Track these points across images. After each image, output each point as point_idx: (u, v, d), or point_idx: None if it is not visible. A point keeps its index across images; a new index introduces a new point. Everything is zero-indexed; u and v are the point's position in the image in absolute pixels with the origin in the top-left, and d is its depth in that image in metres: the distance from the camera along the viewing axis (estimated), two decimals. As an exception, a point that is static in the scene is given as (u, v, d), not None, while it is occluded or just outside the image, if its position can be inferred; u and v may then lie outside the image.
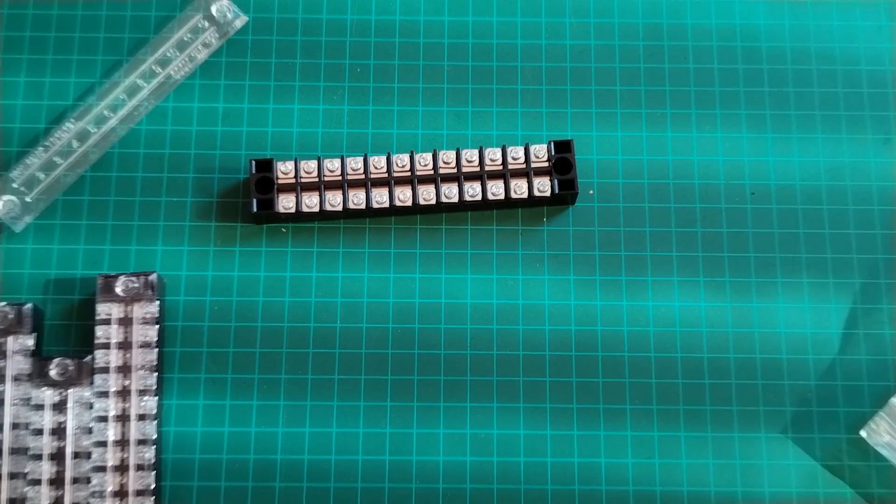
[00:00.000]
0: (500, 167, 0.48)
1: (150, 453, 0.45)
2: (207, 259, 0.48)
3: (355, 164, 0.48)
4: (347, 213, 0.48)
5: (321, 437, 0.46)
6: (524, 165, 0.48)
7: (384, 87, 0.51)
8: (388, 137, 0.50)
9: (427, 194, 0.48)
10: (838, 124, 0.51)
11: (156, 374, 0.45)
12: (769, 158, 0.50)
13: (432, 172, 0.48)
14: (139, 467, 0.45)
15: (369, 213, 0.48)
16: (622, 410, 0.47)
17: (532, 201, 0.48)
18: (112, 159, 0.50)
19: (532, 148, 0.48)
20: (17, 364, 0.45)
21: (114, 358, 0.45)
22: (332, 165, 0.48)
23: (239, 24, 0.51)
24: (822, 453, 0.47)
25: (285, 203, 0.48)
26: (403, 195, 0.48)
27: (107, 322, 0.46)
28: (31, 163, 0.49)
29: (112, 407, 0.45)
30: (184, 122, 0.50)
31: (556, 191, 0.48)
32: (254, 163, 0.48)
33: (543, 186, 0.48)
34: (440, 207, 0.48)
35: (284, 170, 0.48)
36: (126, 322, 0.46)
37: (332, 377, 0.47)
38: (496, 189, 0.48)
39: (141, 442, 0.45)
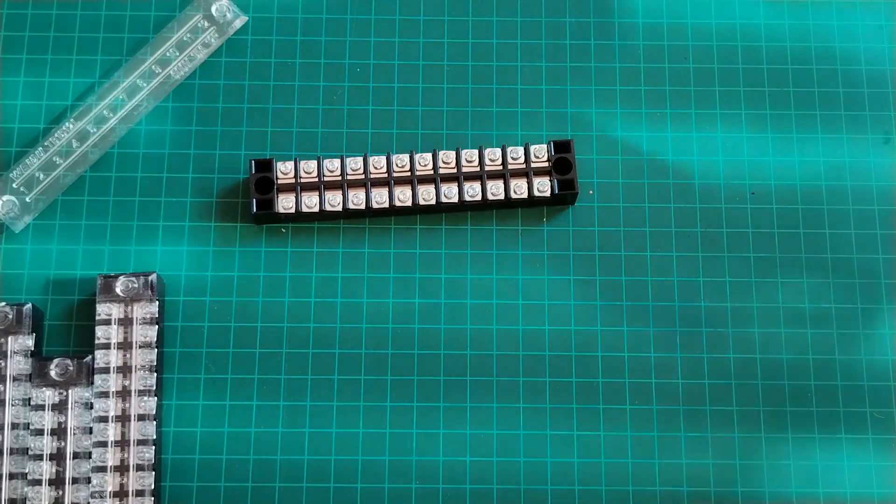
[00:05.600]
0: (500, 167, 0.48)
1: (150, 453, 0.45)
2: (207, 259, 0.48)
3: (355, 164, 0.48)
4: (347, 214, 0.48)
5: (321, 437, 0.46)
6: (524, 165, 0.48)
7: (384, 87, 0.51)
8: (388, 137, 0.50)
9: (427, 194, 0.48)
10: (838, 124, 0.51)
11: (156, 374, 0.45)
12: (769, 158, 0.50)
13: (432, 172, 0.48)
14: (139, 467, 0.45)
15: (369, 213, 0.48)
16: (622, 410, 0.47)
17: (532, 201, 0.48)
18: (111, 159, 0.50)
19: (532, 148, 0.48)
20: (17, 364, 0.45)
21: (114, 358, 0.45)
22: (332, 165, 0.48)
23: (238, 23, 0.51)
24: (823, 453, 0.47)
25: (285, 203, 0.48)
26: (403, 195, 0.48)
27: (107, 322, 0.46)
28: (30, 163, 0.49)
29: (112, 407, 0.45)
30: (183, 122, 0.50)
31: (556, 191, 0.48)
32: (253, 163, 0.48)
33: (543, 186, 0.48)
34: (440, 207, 0.48)
35: (284, 170, 0.48)
36: (126, 322, 0.46)
37: (332, 377, 0.47)
38: (496, 189, 0.48)
39: (141, 442, 0.45)
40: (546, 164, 0.48)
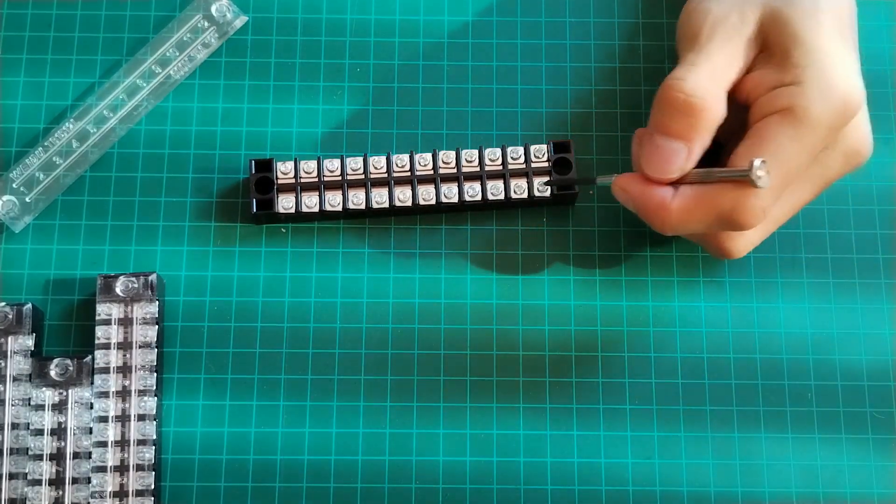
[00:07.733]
0: (500, 167, 0.48)
1: (150, 453, 0.45)
2: (207, 259, 0.48)
3: (355, 164, 0.48)
4: (347, 214, 0.48)
5: (321, 438, 0.46)
6: (524, 165, 0.48)
7: (384, 87, 0.51)
8: (388, 137, 0.50)
9: (427, 194, 0.48)
10: (838, 124, 0.50)
11: (155, 374, 0.45)
12: (769, 158, 0.50)
13: (432, 172, 0.48)
14: (139, 467, 0.45)
15: (369, 213, 0.48)
16: (622, 410, 0.47)
17: (532, 201, 0.48)
18: (111, 159, 0.50)
19: (532, 148, 0.48)
20: (17, 364, 0.45)
21: (114, 358, 0.45)
22: (332, 165, 0.48)
23: (238, 23, 0.51)
24: (823, 453, 0.47)
25: (285, 203, 0.48)
26: (403, 195, 0.48)
27: (107, 322, 0.46)
28: (30, 163, 0.49)
29: (112, 407, 0.45)
30: (183, 122, 0.50)
31: (556, 191, 0.48)
32: (253, 163, 0.48)
33: (543, 186, 0.48)
34: (440, 207, 0.48)
35: (284, 170, 0.48)
36: (126, 322, 0.46)
37: (331, 377, 0.47)
38: (496, 189, 0.48)
39: (141, 442, 0.45)
40: (546, 164, 0.48)
